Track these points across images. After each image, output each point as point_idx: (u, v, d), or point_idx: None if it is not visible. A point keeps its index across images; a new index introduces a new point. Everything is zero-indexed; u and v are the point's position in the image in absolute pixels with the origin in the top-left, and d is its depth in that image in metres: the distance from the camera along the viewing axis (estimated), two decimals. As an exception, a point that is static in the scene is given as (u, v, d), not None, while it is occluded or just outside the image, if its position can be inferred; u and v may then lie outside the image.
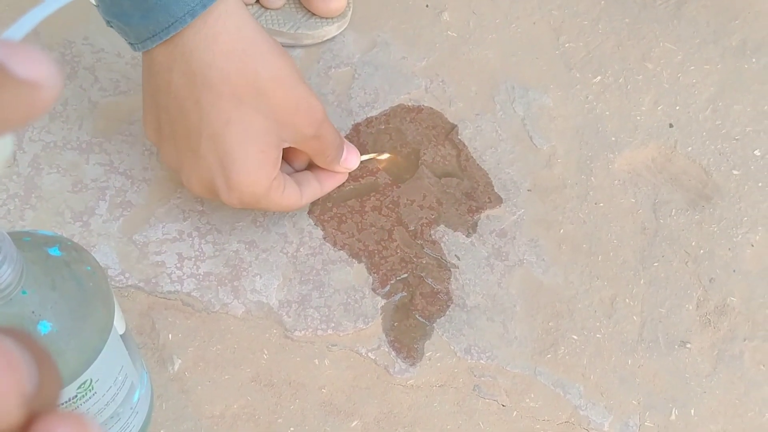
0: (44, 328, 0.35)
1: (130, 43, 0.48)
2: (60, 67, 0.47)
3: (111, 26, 0.48)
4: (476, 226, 0.59)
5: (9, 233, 0.35)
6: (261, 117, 0.47)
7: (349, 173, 0.58)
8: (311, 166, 0.55)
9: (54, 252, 0.37)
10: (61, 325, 0.35)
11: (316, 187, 0.54)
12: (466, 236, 0.58)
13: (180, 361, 0.52)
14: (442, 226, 0.58)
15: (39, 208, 0.55)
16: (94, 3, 0.47)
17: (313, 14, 0.65)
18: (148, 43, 0.46)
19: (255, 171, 0.48)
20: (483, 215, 0.59)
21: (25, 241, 0.37)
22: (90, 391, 0.38)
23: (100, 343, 0.38)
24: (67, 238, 0.39)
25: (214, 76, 0.46)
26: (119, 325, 0.40)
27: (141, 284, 0.54)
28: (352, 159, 0.55)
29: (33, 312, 0.35)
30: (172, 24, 0.45)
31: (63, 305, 0.36)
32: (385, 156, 0.60)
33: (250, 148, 0.47)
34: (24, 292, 0.34)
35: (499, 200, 0.60)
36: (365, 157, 0.58)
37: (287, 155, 0.54)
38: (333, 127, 0.52)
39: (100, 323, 0.38)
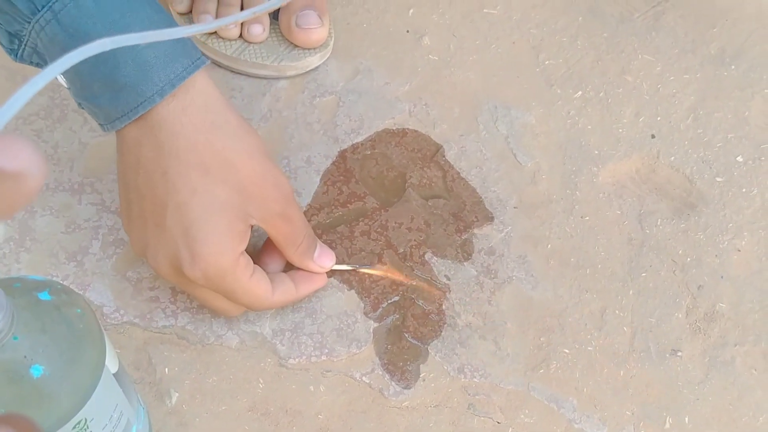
0: (36, 371, 0.36)
1: (100, 124, 0.48)
2: (43, 154, 0.48)
3: (82, 107, 0.49)
4: (465, 245, 0.59)
5: (-1, 280, 0.36)
6: (228, 188, 0.47)
7: (338, 201, 0.59)
8: (288, 272, 0.54)
9: (44, 296, 0.38)
10: (53, 367, 0.36)
11: (291, 287, 0.52)
12: (455, 256, 0.59)
13: (177, 394, 0.52)
14: (431, 247, 0.59)
15: (33, 251, 0.56)
16: (65, 85, 0.48)
17: (296, 46, 0.66)
18: (117, 123, 0.46)
19: (220, 242, 0.46)
20: (471, 234, 0.60)
21: (16, 287, 0.38)
22: (86, 429, 0.39)
23: (93, 383, 0.38)
24: (57, 281, 0.40)
25: (181, 145, 0.46)
26: (111, 364, 0.41)
27: (136, 320, 0.54)
28: (326, 256, 0.53)
29: (25, 356, 0.36)
30: (141, 104, 0.45)
31: (54, 348, 0.37)
32: (364, 269, 0.58)
33: (216, 218, 0.46)
34: (15, 338, 0.35)
35: (486, 219, 0.61)
36: (339, 267, 0.56)
37: (261, 258, 0.53)
38: (302, 216, 0.51)
39: (92, 364, 0.38)
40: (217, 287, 0.48)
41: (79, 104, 0.49)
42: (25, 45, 0.46)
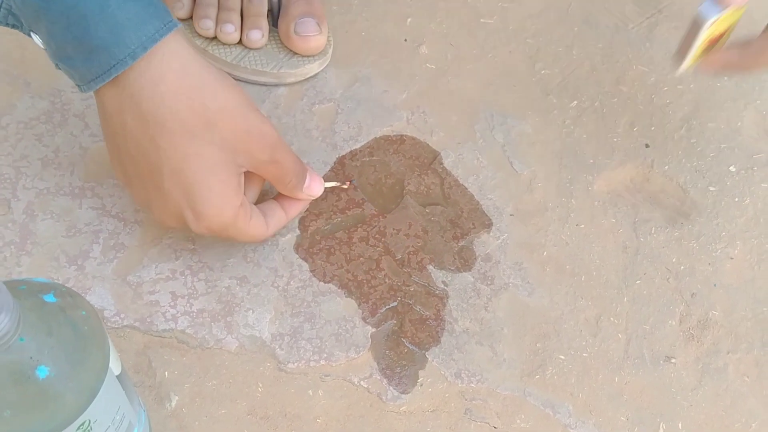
0: (42, 372, 0.36)
1: (77, 85, 0.48)
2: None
3: (59, 68, 0.49)
4: (462, 252, 0.60)
5: (5, 282, 0.36)
6: (215, 148, 0.49)
7: (337, 207, 0.60)
8: (276, 197, 0.57)
9: (49, 299, 0.38)
10: (58, 369, 0.37)
11: (281, 215, 0.55)
12: (452, 263, 0.60)
13: (177, 397, 0.53)
14: (429, 254, 0.60)
15: (34, 254, 0.57)
16: (41, 46, 0.48)
17: (295, 53, 0.67)
18: (93, 84, 0.47)
19: (219, 200, 0.50)
20: (468, 241, 0.61)
21: (21, 290, 0.38)
22: (89, 431, 0.39)
23: (97, 385, 0.39)
24: (61, 284, 0.41)
25: (164, 115, 0.47)
26: (115, 366, 0.41)
27: (136, 324, 0.55)
28: (315, 186, 0.56)
29: (31, 358, 0.36)
30: (114, 66, 0.46)
31: (60, 350, 0.37)
32: (347, 184, 0.61)
33: (211, 178, 0.49)
34: (22, 339, 0.36)
35: (483, 226, 0.62)
36: (329, 184, 0.59)
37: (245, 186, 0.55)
38: (292, 153, 0.53)
39: (96, 365, 0.39)
40: (221, 236, 0.52)
41: (56, 65, 0.49)
42: (1, 6, 0.47)
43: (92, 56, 0.46)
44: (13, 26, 0.49)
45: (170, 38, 0.47)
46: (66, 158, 0.61)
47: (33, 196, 0.59)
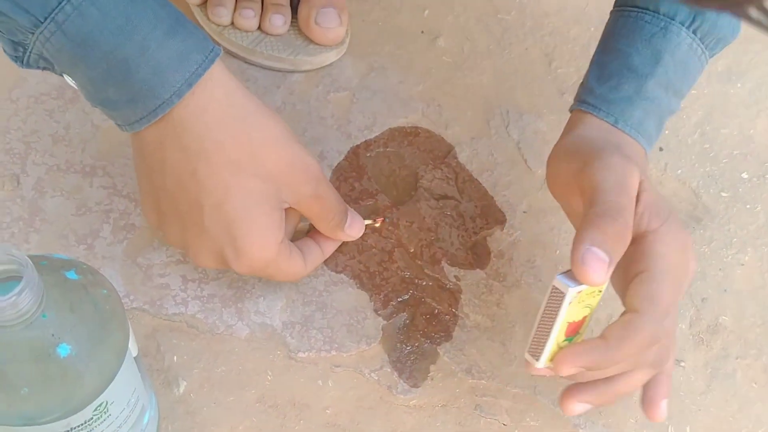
0: (64, 350, 0.35)
1: (118, 125, 0.47)
2: None
3: (96, 107, 0.48)
4: (475, 247, 0.60)
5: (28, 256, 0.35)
6: (259, 181, 0.47)
7: (350, 198, 0.59)
8: (311, 233, 0.55)
9: (71, 275, 0.38)
10: (80, 347, 0.36)
11: (318, 253, 0.54)
12: (465, 258, 0.59)
13: (185, 382, 0.52)
14: (441, 247, 0.59)
15: (43, 231, 0.56)
16: (76, 87, 0.47)
17: (312, 41, 0.66)
18: (136, 125, 0.46)
19: (262, 235, 0.48)
20: (481, 237, 0.60)
21: (43, 265, 0.37)
22: (105, 413, 0.39)
23: (117, 365, 0.38)
24: (81, 261, 0.40)
25: (207, 147, 0.46)
26: (133, 348, 0.41)
27: (146, 306, 0.54)
28: (357, 226, 0.54)
29: (53, 335, 0.35)
30: (160, 106, 0.45)
31: (81, 328, 0.36)
32: (379, 222, 0.59)
33: (254, 212, 0.47)
34: (44, 316, 0.35)
35: (497, 222, 0.61)
36: (365, 222, 0.56)
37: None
38: (334, 190, 0.52)
39: (117, 345, 0.38)
40: (260, 274, 0.51)
41: (93, 105, 0.48)
42: (30, 52, 0.45)
43: (136, 98, 0.45)
44: (44, 68, 0.47)
45: (214, 68, 0.46)
46: (77, 135, 0.60)
47: (43, 172, 0.58)
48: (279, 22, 0.65)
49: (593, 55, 0.55)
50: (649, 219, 0.46)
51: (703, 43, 0.52)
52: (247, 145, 0.46)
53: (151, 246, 0.56)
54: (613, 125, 0.51)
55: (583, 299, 0.45)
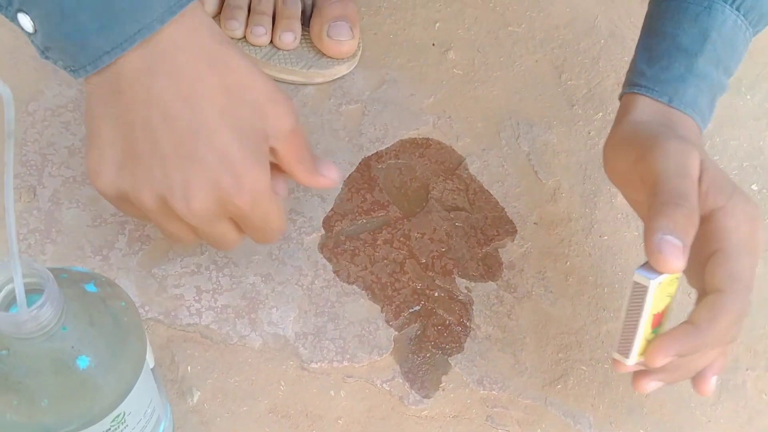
0: (83, 362, 0.36)
1: (74, 68, 0.43)
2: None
3: (46, 56, 0.44)
4: (485, 258, 0.60)
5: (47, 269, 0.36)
6: (249, 108, 0.45)
7: (362, 209, 0.60)
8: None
9: (90, 288, 0.38)
10: (99, 359, 0.37)
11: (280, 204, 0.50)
12: (476, 269, 0.60)
13: (199, 393, 0.52)
14: (453, 259, 0.60)
15: (59, 243, 0.56)
16: (30, 31, 0.43)
17: (324, 55, 0.67)
18: (106, 58, 0.42)
19: (258, 161, 0.45)
20: (492, 248, 0.61)
21: (62, 278, 0.38)
22: (122, 423, 0.39)
23: (134, 377, 0.39)
24: (100, 274, 0.40)
25: (201, 69, 0.43)
26: (150, 359, 0.41)
27: (160, 317, 0.55)
28: (333, 168, 0.50)
29: (72, 347, 0.36)
30: (140, 31, 0.42)
31: (101, 340, 0.37)
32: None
33: (248, 138, 0.45)
34: (64, 328, 0.36)
35: (507, 233, 0.62)
36: None
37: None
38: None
39: (135, 357, 0.39)
40: (255, 211, 0.46)
41: (44, 52, 0.44)
42: None
43: (112, 24, 0.41)
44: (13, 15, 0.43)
45: (196, 2, 0.44)
46: (93, 148, 0.61)
47: (59, 184, 0.59)
48: (289, 38, 0.66)
49: (638, 41, 0.56)
50: (715, 197, 0.46)
51: (746, 19, 0.53)
52: (236, 69, 0.44)
53: (166, 257, 0.57)
54: (667, 104, 0.52)
55: (663, 289, 0.46)
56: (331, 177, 0.50)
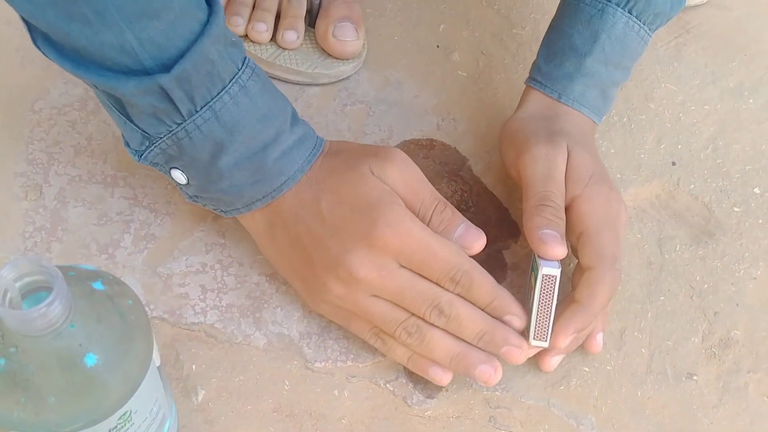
0: (90, 360, 0.36)
1: (226, 211, 0.52)
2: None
3: (195, 201, 0.53)
4: (489, 260, 0.60)
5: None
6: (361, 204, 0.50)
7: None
8: None
9: (98, 286, 0.38)
10: (106, 357, 0.37)
11: None
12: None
13: (204, 391, 0.53)
14: (456, 260, 0.60)
15: (65, 241, 0.57)
16: (182, 183, 0.51)
17: (330, 55, 0.67)
18: (257, 203, 0.51)
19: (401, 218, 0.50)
20: (495, 249, 0.61)
21: (70, 276, 0.38)
22: (129, 422, 0.40)
23: (141, 375, 0.39)
24: (107, 272, 0.41)
25: (329, 191, 0.50)
26: (156, 358, 0.41)
27: (165, 316, 0.55)
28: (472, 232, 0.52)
29: (80, 345, 0.36)
30: (285, 182, 0.50)
31: (108, 338, 0.37)
32: None
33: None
34: (72, 326, 0.36)
35: (511, 234, 0.62)
36: None
37: None
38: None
39: (142, 355, 0.39)
40: (422, 250, 0.49)
41: (193, 197, 0.52)
42: (155, 146, 0.49)
43: (263, 179, 0.50)
44: (155, 165, 0.51)
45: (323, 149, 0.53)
46: (99, 146, 0.61)
47: (65, 183, 0.59)
48: (292, 37, 0.66)
49: (544, 35, 0.62)
50: (573, 187, 0.54)
51: (640, 20, 0.58)
52: (353, 182, 0.51)
53: (171, 256, 0.57)
54: (556, 100, 0.59)
55: None
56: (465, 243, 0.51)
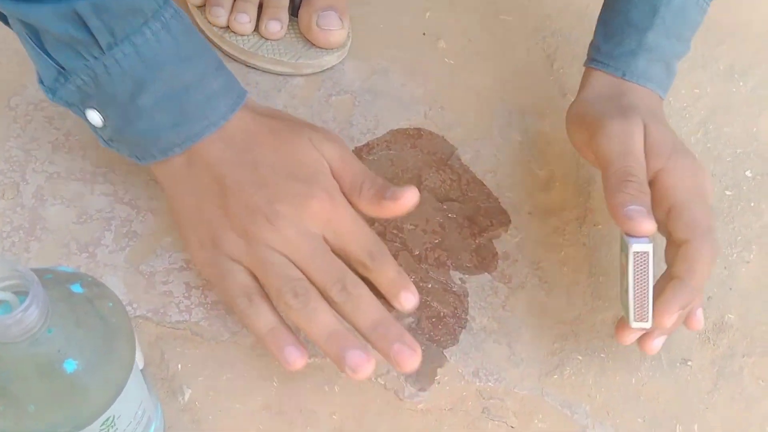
0: (70, 366, 0.35)
1: (141, 157, 0.51)
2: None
3: (109, 145, 0.51)
4: (479, 249, 0.60)
5: (32, 270, 0.35)
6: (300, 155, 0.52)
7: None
8: None
9: (77, 289, 0.37)
10: (86, 362, 0.36)
11: None
12: (470, 260, 0.59)
13: (190, 391, 0.52)
14: (446, 250, 0.59)
15: (44, 240, 0.55)
16: (98, 125, 0.50)
17: (314, 45, 0.66)
18: (176, 149, 0.49)
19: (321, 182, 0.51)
20: (485, 239, 0.60)
21: (48, 279, 0.37)
22: (112, 427, 0.38)
23: (124, 379, 0.38)
24: (86, 274, 0.39)
25: (258, 143, 0.50)
26: (139, 360, 0.40)
27: (149, 314, 0.54)
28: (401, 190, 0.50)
29: (59, 350, 0.35)
30: (206, 127, 0.49)
31: (88, 342, 0.36)
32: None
33: (304, 176, 0.51)
34: (50, 331, 0.35)
35: (501, 223, 0.61)
36: None
37: None
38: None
39: (124, 359, 0.38)
40: (339, 210, 0.50)
41: (108, 142, 0.51)
42: (71, 82, 0.47)
43: (183, 122, 0.49)
44: (69, 105, 0.49)
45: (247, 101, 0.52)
46: (77, 142, 0.59)
47: (43, 180, 0.57)
48: (276, 27, 0.65)
49: (599, 15, 0.61)
50: (655, 159, 0.52)
51: None
52: (285, 138, 0.51)
53: (154, 253, 0.56)
54: (621, 78, 0.57)
55: None
56: (399, 198, 0.50)
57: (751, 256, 0.62)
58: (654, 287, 0.49)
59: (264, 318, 0.48)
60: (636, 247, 0.48)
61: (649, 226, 0.49)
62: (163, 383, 0.52)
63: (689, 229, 0.50)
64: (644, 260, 0.49)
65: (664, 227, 0.52)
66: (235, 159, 0.49)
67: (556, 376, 0.55)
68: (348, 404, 0.52)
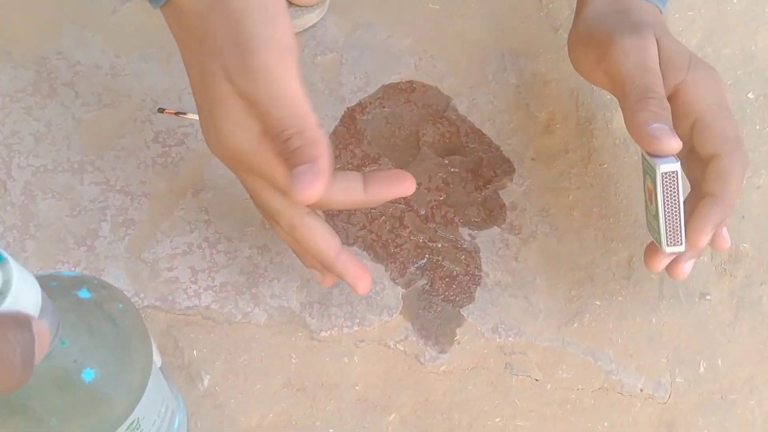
0: (88, 376, 0.34)
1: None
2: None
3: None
4: (486, 202, 0.58)
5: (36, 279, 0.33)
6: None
7: (352, 165, 0.57)
8: None
9: (84, 294, 0.36)
10: (104, 370, 0.34)
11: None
12: (477, 214, 0.57)
13: (209, 376, 0.51)
14: (452, 206, 0.57)
15: (39, 237, 0.53)
16: None
17: (292, 3, 0.63)
18: None
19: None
20: (491, 190, 0.59)
21: (53, 287, 0.35)
22: (137, 429, 0.37)
23: (144, 380, 0.36)
24: (91, 276, 0.38)
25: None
26: (157, 357, 0.39)
27: (157, 303, 0.52)
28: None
29: (75, 361, 0.33)
30: None
31: (103, 349, 0.34)
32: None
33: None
34: (63, 343, 0.33)
35: (505, 173, 0.59)
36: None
37: None
38: None
39: (142, 361, 0.36)
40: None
41: None
42: None
43: None
44: None
45: None
46: (60, 131, 0.57)
47: (29, 175, 0.55)
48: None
49: None
50: (674, 73, 0.49)
51: None
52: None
53: (154, 239, 0.54)
54: None
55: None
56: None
57: (761, 180, 0.61)
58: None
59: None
60: (664, 167, 0.46)
61: (675, 143, 0.46)
62: (180, 371, 0.51)
63: (718, 142, 0.47)
64: (673, 180, 0.46)
65: (687, 143, 0.49)
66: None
67: (576, 325, 0.54)
68: (369, 373, 0.52)
